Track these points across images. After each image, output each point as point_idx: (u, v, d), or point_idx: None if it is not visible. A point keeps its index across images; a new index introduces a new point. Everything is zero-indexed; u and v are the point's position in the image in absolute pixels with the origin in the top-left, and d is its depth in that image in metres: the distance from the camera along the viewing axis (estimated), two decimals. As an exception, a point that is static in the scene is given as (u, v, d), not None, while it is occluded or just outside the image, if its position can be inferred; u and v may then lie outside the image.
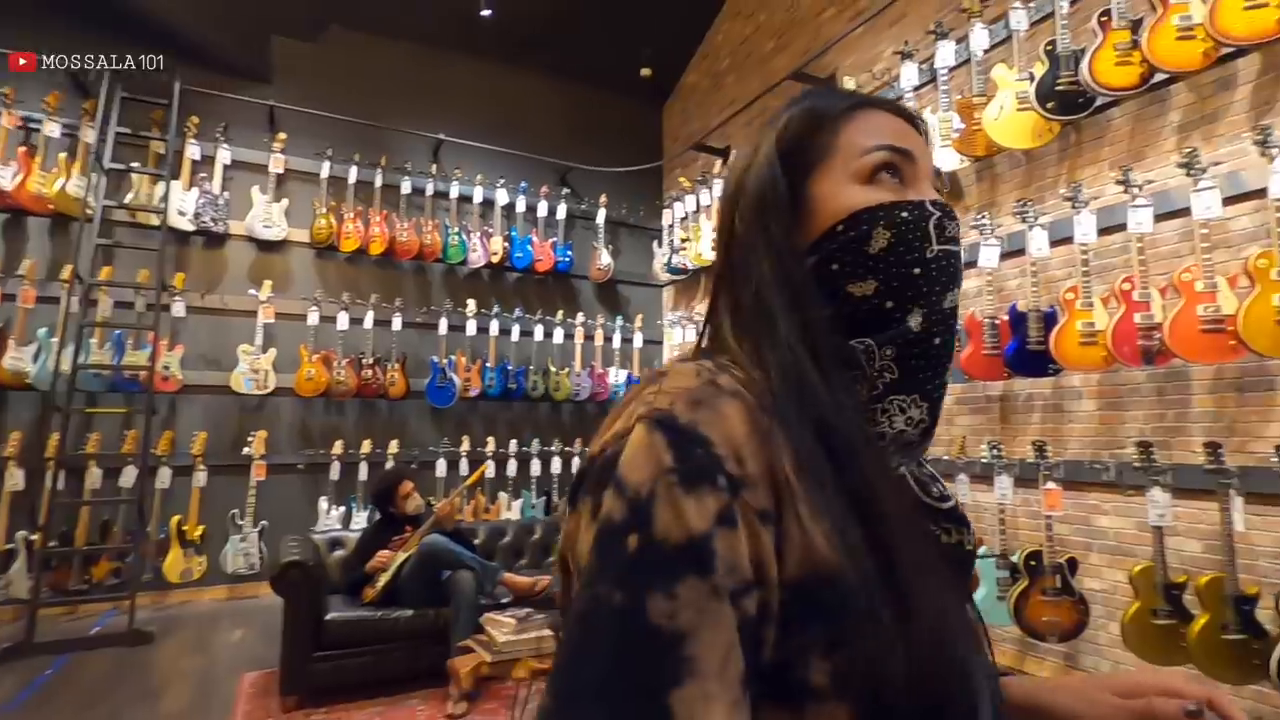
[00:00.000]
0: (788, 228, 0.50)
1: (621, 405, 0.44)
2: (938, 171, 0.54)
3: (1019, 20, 3.31)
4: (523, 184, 5.98)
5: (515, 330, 5.81)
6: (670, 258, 6.03)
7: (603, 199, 6.26)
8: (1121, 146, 3.14)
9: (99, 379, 4.50)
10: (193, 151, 5.00)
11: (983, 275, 3.39)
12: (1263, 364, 2.58)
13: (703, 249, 5.54)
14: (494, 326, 5.76)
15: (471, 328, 5.67)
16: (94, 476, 4.46)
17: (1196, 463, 2.64)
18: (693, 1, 6.20)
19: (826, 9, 4.99)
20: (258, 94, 5.31)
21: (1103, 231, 3.03)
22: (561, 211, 6.15)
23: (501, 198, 5.90)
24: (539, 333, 5.89)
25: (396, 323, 5.44)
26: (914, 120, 0.53)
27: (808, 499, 0.40)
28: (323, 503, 5.11)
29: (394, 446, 5.37)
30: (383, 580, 3.33)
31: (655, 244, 6.48)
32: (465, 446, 5.55)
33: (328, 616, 3.16)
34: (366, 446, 5.29)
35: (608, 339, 6.13)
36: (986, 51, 3.49)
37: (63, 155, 4.56)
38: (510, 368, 5.72)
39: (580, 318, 6.08)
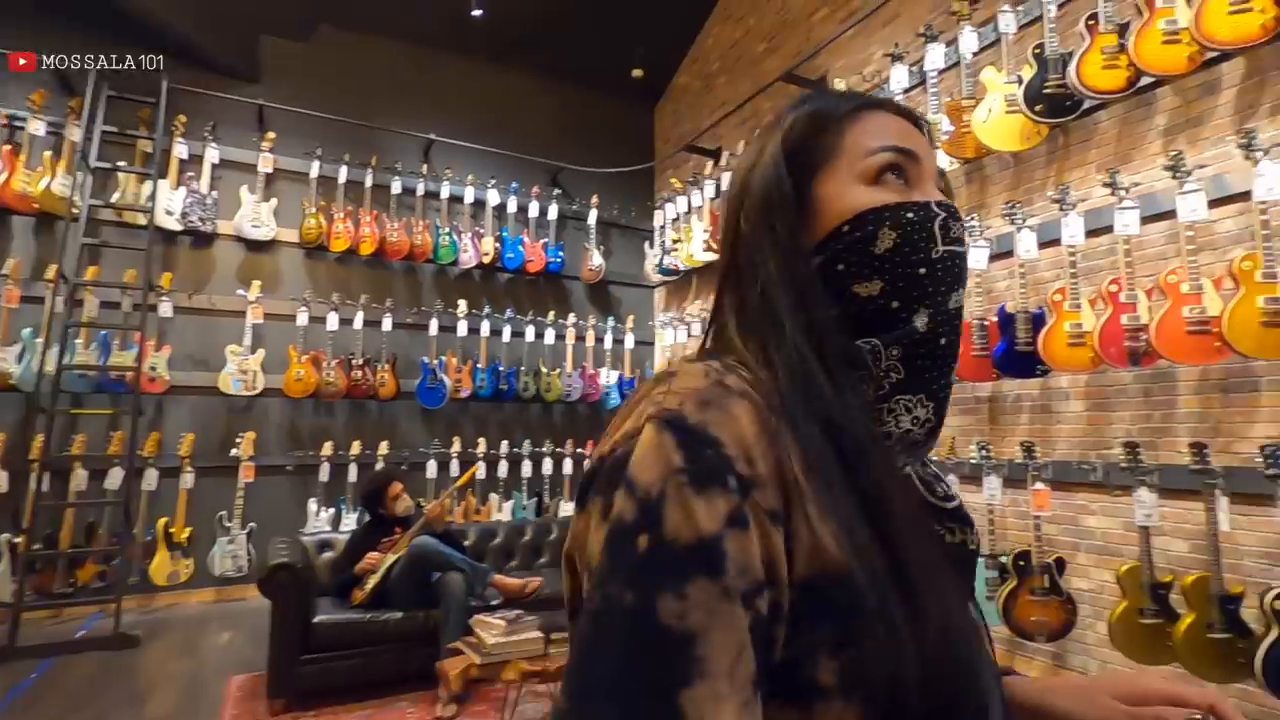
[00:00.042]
0: (793, 228, 0.50)
1: (630, 404, 0.44)
2: (942, 172, 0.54)
3: (1008, 24, 3.34)
4: (514, 184, 5.97)
5: (506, 331, 5.80)
6: (662, 259, 6.04)
7: (594, 200, 6.26)
8: (1108, 149, 3.17)
9: (84, 380, 4.44)
10: (180, 150, 4.96)
11: (972, 277, 3.41)
12: (1247, 365, 2.61)
13: (694, 250, 5.55)
14: (485, 327, 5.75)
15: (462, 328, 5.66)
16: (79, 478, 4.41)
17: (1182, 463, 2.67)
18: (684, 3, 6.21)
19: (817, 11, 5.01)
20: (247, 93, 5.28)
21: (1090, 233, 3.07)
22: (553, 212, 6.14)
23: (493, 198, 5.89)
24: (530, 333, 5.89)
25: (387, 323, 5.41)
26: (918, 121, 0.54)
27: (816, 499, 0.40)
28: (312, 504, 5.07)
29: (384, 448, 5.34)
30: (372, 582, 3.31)
31: (647, 245, 6.49)
32: (456, 448, 5.54)
33: (316, 619, 3.14)
34: (356, 448, 5.26)
35: (599, 340, 6.13)
36: (976, 54, 3.51)
37: (48, 154, 4.51)
38: (501, 369, 5.71)
39: (572, 318, 6.08)
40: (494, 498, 5.61)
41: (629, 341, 6.25)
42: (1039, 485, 3.07)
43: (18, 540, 4.04)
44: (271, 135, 5.24)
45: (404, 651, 3.22)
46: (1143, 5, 2.79)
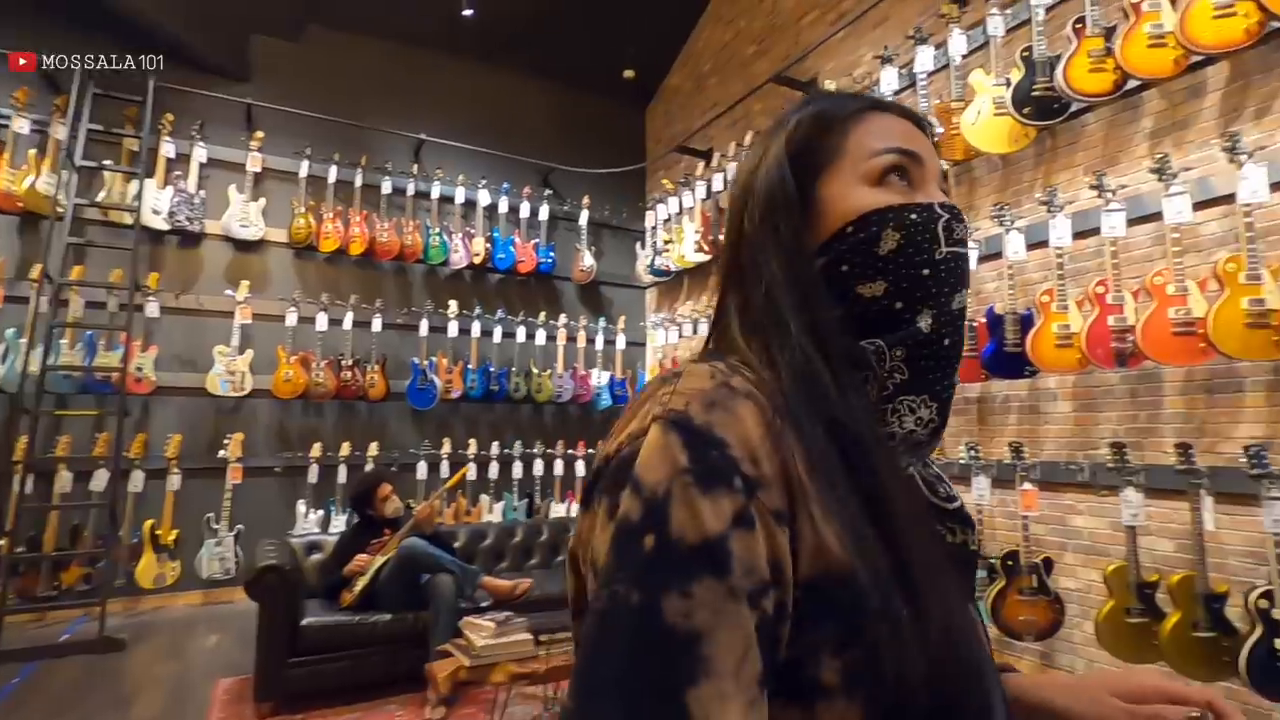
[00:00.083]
0: (797, 229, 0.50)
1: (635, 405, 0.45)
2: (945, 174, 0.54)
3: (996, 26, 3.37)
4: (505, 185, 5.95)
5: (497, 332, 5.78)
6: (653, 259, 6.04)
7: (585, 200, 6.25)
8: (1095, 152, 3.20)
9: (69, 380, 4.39)
10: (167, 149, 4.91)
11: (962, 278, 3.43)
12: (1231, 366, 2.64)
13: (685, 251, 5.55)
14: (476, 328, 5.72)
15: (453, 329, 5.63)
16: (64, 480, 4.36)
17: (1168, 463, 2.70)
18: (675, 4, 6.22)
19: (807, 14, 5.03)
20: (235, 92, 5.23)
21: (1077, 235, 3.09)
22: (544, 212, 6.13)
23: (483, 198, 5.87)
24: (521, 334, 5.87)
25: (376, 324, 5.38)
26: (922, 123, 0.54)
27: (820, 499, 0.40)
28: (300, 506, 5.03)
29: (374, 449, 5.31)
30: (360, 584, 3.30)
31: (638, 246, 6.48)
32: (446, 449, 5.51)
33: (304, 621, 3.12)
34: (345, 449, 5.22)
35: (590, 341, 6.12)
36: (965, 57, 3.54)
37: (32, 152, 4.45)
38: (492, 369, 5.69)
39: (563, 319, 6.07)
40: (484, 499, 5.59)
41: (620, 342, 6.24)
42: (1027, 485, 3.10)
43: (1, 543, 3.99)
44: (260, 134, 5.20)
45: (393, 654, 3.21)
46: (1129, 9, 2.82)
